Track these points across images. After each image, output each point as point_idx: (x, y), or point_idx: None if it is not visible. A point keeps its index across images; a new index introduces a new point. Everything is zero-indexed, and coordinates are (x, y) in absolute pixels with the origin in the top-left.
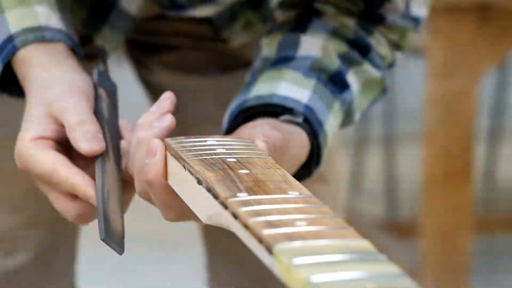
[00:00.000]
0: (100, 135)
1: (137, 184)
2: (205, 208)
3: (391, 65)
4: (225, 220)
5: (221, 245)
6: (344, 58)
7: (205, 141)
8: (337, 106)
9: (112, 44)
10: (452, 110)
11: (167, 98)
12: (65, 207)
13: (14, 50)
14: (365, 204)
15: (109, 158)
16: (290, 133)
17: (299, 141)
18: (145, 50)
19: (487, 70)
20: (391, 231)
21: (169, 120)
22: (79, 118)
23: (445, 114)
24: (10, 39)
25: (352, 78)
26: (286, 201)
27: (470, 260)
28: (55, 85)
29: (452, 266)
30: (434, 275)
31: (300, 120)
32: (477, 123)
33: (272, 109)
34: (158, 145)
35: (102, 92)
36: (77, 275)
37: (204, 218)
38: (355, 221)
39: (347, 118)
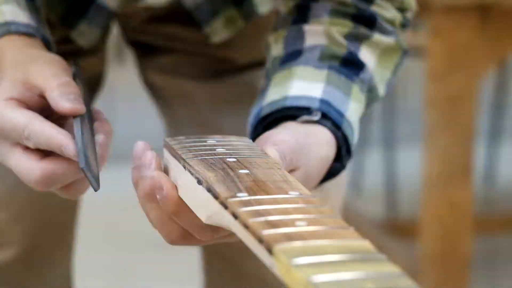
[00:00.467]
0: (81, 99)
1: (170, 234)
2: (205, 208)
3: (404, 25)
4: (225, 220)
5: (218, 251)
6: (351, 37)
7: (205, 141)
8: (356, 88)
9: (89, 40)
10: (452, 110)
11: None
12: (29, 166)
13: None
14: (365, 204)
15: (85, 126)
16: (310, 134)
17: (321, 139)
18: (144, 52)
19: (487, 70)
20: (391, 231)
21: (149, 156)
22: (60, 81)
23: (445, 114)
24: None
25: (365, 54)
26: (286, 201)
27: (470, 260)
28: (35, 59)
29: (452, 266)
30: (434, 275)
31: (317, 117)
32: (477, 123)
33: (289, 113)
34: (160, 177)
35: (78, 81)
36: (73, 273)
37: (204, 218)
38: (355, 221)
39: (371, 95)
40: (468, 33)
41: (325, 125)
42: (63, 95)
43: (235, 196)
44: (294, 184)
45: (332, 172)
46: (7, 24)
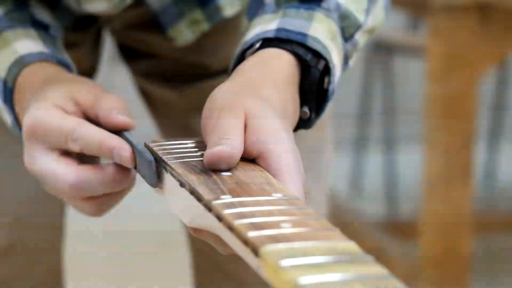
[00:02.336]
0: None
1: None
2: (188, 210)
3: None
4: (209, 222)
5: (207, 253)
6: None
7: (186, 143)
8: (319, 15)
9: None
10: (452, 110)
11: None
12: (65, 170)
13: (11, 91)
14: (365, 204)
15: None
16: (260, 66)
17: (273, 56)
18: (128, 55)
19: (487, 70)
20: (391, 231)
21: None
22: (112, 97)
23: (445, 114)
24: (4, 85)
25: None
26: (270, 203)
27: (470, 260)
28: (73, 79)
29: (452, 266)
30: (434, 275)
31: (258, 45)
32: (477, 123)
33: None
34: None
35: None
36: (62, 268)
37: (187, 221)
38: (355, 221)
39: (347, 21)
40: (468, 33)
41: (284, 48)
42: (116, 109)
43: (219, 198)
44: (277, 186)
45: (319, 92)
46: (20, 59)
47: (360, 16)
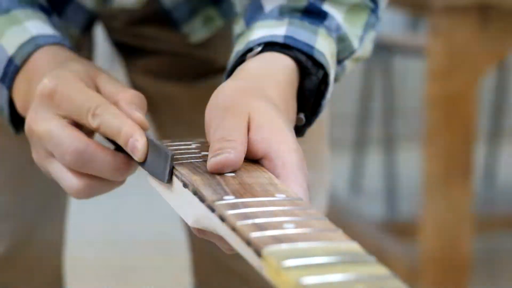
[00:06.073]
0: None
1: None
2: (192, 211)
3: None
4: (212, 223)
5: (206, 250)
6: None
7: (190, 144)
8: (323, 32)
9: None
10: (452, 110)
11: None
12: (76, 136)
13: (16, 69)
14: (365, 204)
15: None
16: (261, 68)
17: (276, 59)
18: (128, 53)
19: (487, 70)
20: (391, 231)
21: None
22: (134, 93)
23: (445, 114)
24: (10, 62)
25: (330, 8)
26: (273, 203)
27: (470, 260)
28: (96, 67)
29: (452, 266)
30: (434, 275)
31: (260, 48)
32: (477, 123)
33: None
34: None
35: None
36: (63, 271)
37: (190, 222)
38: (355, 221)
39: (343, 45)
40: (468, 33)
41: (287, 54)
42: (136, 106)
43: (222, 199)
44: (280, 186)
45: (314, 107)
46: (34, 39)
47: (355, 42)
